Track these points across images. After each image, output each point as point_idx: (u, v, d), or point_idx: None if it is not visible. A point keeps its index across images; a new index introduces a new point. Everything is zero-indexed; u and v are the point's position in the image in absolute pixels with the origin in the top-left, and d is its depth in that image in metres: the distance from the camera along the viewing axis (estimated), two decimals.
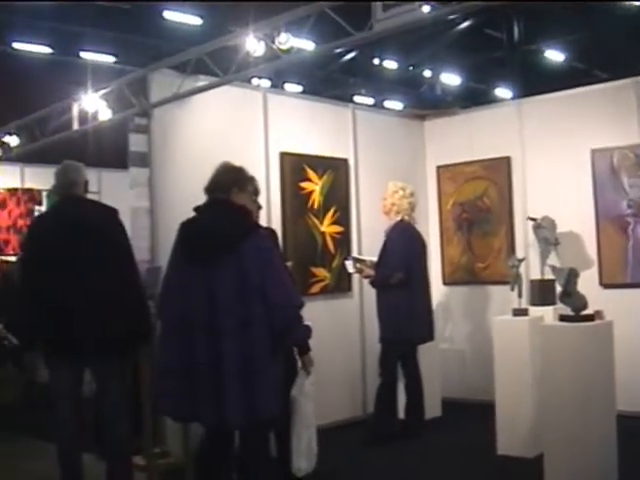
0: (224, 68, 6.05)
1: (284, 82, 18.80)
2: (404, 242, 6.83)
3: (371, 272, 6.98)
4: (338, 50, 5.75)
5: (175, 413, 4.42)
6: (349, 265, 7.18)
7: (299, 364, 5.09)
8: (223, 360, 4.08)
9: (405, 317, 6.72)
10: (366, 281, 7.22)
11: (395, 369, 6.93)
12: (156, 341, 4.72)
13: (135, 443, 5.37)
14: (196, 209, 4.44)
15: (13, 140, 8.60)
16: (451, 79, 21.38)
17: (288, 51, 5.57)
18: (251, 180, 4.70)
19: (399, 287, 6.70)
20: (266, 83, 15.75)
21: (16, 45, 17.43)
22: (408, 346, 6.93)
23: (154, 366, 4.62)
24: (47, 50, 17.96)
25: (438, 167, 8.80)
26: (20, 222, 10.03)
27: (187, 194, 5.64)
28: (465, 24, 17.40)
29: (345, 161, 7.86)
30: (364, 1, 4.98)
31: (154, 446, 5.84)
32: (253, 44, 5.70)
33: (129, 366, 5.60)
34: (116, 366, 4.98)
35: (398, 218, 6.93)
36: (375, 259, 6.96)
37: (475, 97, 20.01)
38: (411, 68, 20.45)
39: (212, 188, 4.45)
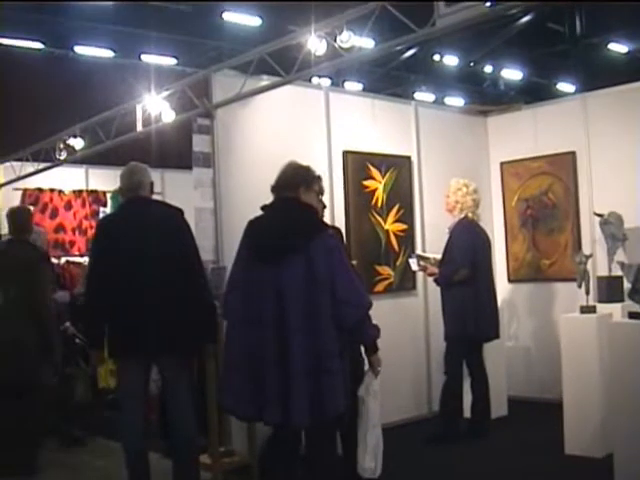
0: (286, 68, 6.04)
1: (344, 80, 18.80)
2: (468, 239, 6.75)
3: (435, 270, 6.91)
4: (398, 47, 5.70)
5: (239, 411, 4.41)
6: (413, 263, 7.13)
7: (366, 364, 5.05)
8: (289, 358, 4.07)
9: (470, 315, 6.64)
10: (430, 279, 7.16)
11: (460, 367, 6.86)
12: (222, 341, 4.73)
13: (201, 442, 5.39)
14: (263, 207, 4.45)
15: (78, 142, 8.72)
16: (513, 74, 21.15)
17: (350, 49, 5.54)
18: (317, 179, 4.69)
19: (464, 284, 6.63)
20: (326, 82, 15.75)
21: (78, 49, 17.72)
22: (473, 344, 6.84)
23: (220, 365, 4.63)
24: (109, 53, 18.21)
25: (502, 163, 8.67)
26: (85, 223, 10.14)
27: (250, 194, 5.68)
28: (526, 18, 17.20)
29: (408, 158, 7.81)
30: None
31: (220, 445, 5.86)
32: (315, 43, 5.68)
33: (196, 365, 5.64)
34: (183, 366, 5.00)
35: (462, 215, 6.85)
36: (439, 256, 6.89)
37: (537, 92, 19.77)
38: (472, 64, 20.26)
39: (280, 187, 4.45)
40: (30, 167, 9.70)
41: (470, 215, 6.87)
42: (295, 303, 4.12)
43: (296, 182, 4.46)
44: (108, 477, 6.13)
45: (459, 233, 6.78)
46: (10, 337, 6.06)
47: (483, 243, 6.95)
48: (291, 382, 4.06)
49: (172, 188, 10.66)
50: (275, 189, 4.49)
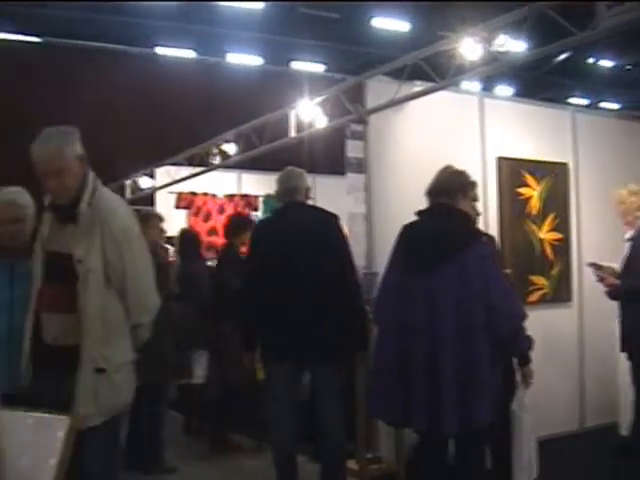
0: (438, 73, 5.98)
1: (494, 85, 18.52)
2: None
3: (615, 281, 6.31)
4: (556, 51, 5.54)
5: (386, 416, 4.40)
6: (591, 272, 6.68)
7: (518, 376, 4.92)
8: (439, 366, 4.02)
9: None
10: (602, 290, 6.48)
11: None
12: (372, 346, 4.71)
13: (349, 447, 5.39)
14: (418, 213, 4.40)
15: (231, 147, 8.93)
16: None
17: (505, 54, 5.43)
18: (473, 185, 4.60)
19: None
20: (476, 87, 15.55)
21: (230, 57, 18.21)
22: None
23: (369, 370, 4.61)
24: (259, 61, 18.63)
25: None
26: None
27: (403, 199, 5.65)
28: None
29: (564, 165, 7.56)
30: (589, 1, 4.76)
31: (367, 451, 5.85)
32: (470, 48, 5.59)
33: (346, 371, 5.64)
34: (334, 372, 5.00)
35: None
36: (616, 266, 6.47)
37: None
38: (629, 67, 19.54)
39: (435, 192, 4.40)
40: (185, 171, 10.00)
41: None
42: (447, 311, 4.06)
43: (452, 188, 4.39)
44: (256, 477, 6.24)
45: None
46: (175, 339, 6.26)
47: None
48: (440, 390, 4.00)
49: (322, 193, 10.73)
50: (430, 194, 4.44)
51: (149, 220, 6.33)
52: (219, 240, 10.24)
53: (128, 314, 3.67)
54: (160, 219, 6.68)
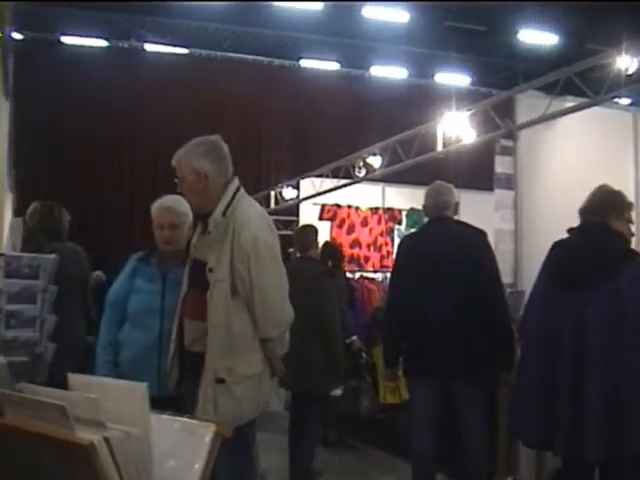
0: (590, 88, 5.84)
1: None
2: None
3: None
4: None
5: (528, 437, 4.28)
6: None
7: None
8: (586, 390, 3.88)
9: None
10: None
11: None
12: (516, 364, 4.62)
13: (488, 468, 5.29)
14: (570, 230, 4.29)
15: (376, 160, 8.96)
16: None
17: None
18: (629, 206, 4.45)
19: None
20: (625, 101, 15.07)
21: (374, 70, 18.36)
22: None
23: (512, 389, 4.53)
24: (403, 73, 18.68)
25: None
26: (380, 240, 10.36)
27: (552, 217, 5.53)
28: None
29: None
30: None
31: (507, 473, 5.73)
32: (626, 62, 5.43)
33: (489, 391, 5.55)
34: (478, 391, 4.93)
35: None
36: None
37: None
38: None
39: (588, 210, 4.27)
40: (329, 183, 10.10)
41: None
42: (598, 334, 3.92)
43: (606, 207, 4.25)
44: None
45: None
46: (298, 350, 6.26)
47: None
48: (586, 414, 3.86)
49: (466, 208, 10.61)
50: (583, 212, 4.31)
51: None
52: (361, 252, 10.29)
53: (256, 327, 3.64)
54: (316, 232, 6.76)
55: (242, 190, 3.79)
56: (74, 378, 1.93)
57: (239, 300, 3.59)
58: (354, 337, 7.23)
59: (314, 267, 6.33)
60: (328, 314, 6.05)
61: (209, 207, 3.70)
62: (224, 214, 3.63)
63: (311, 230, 6.64)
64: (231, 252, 3.58)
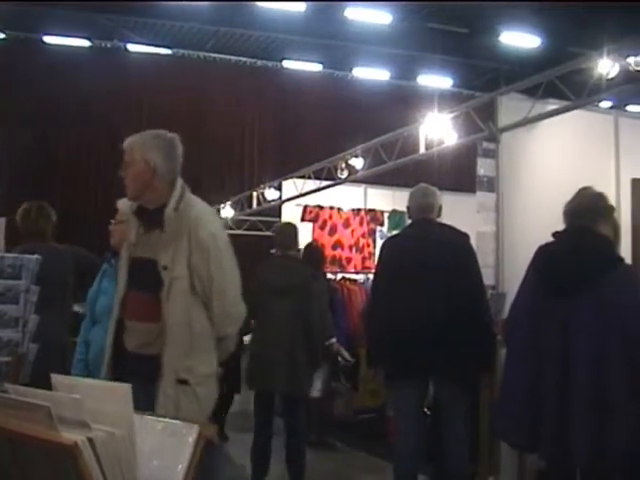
0: (572, 91, 5.87)
1: (626, 104, 17.97)
2: None
3: None
4: None
5: (512, 438, 4.28)
6: None
7: None
8: (571, 391, 3.90)
9: None
10: None
11: None
12: (500, 366, 4.64)
13: (471, 468, 5.32)
14: (555, 234, 4.30)
15: (359, 162, 8.97)
16: None
17: None
18: (613, 210, 4.47)
19: None
20: (606, 104, 15.15)
21: (356, 71, 18.39)
22: None
23: (494, 394, 4.54)
24: (385, 75, 18.73)
25: None
26: (362, 241, 10.37)
27: (534, 220, 5.56)
28: None
29: None
30: None
31: (489, 474, 5.75)
32: (607, 66, 5.47)
33: (472, 392, 5.57)
34: (460, 391, 4.95)
35: None
36: None
37: None
38: None
39: (574, 214, 4.27)
40: (312, 184, 10.10)
41: None
42: (582, 337, 3.93)
43: (594, 212, 4.24)
44: None
45: None
46: (283, 349, 6.25)
47: None
48: (572, 416, 3.88)
49: (447, 210, 10.62)
50: (570, 215, 4.30)
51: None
52: (343, 254, 10.30)
53: (213, 325, 3.55)
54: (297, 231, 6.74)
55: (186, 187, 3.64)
56: (57, 378, 1.93)
57: (197, 298, 3.49)
58: (333, 339, 7.26)
59: (301, 268, 6.30)
60: (313, 316, 6.06)
61: (148, 203, 3.57)
62: (176, 209, 3.49)
63: (292, 228, 6.62)
64: (188, 248, 3.45)
